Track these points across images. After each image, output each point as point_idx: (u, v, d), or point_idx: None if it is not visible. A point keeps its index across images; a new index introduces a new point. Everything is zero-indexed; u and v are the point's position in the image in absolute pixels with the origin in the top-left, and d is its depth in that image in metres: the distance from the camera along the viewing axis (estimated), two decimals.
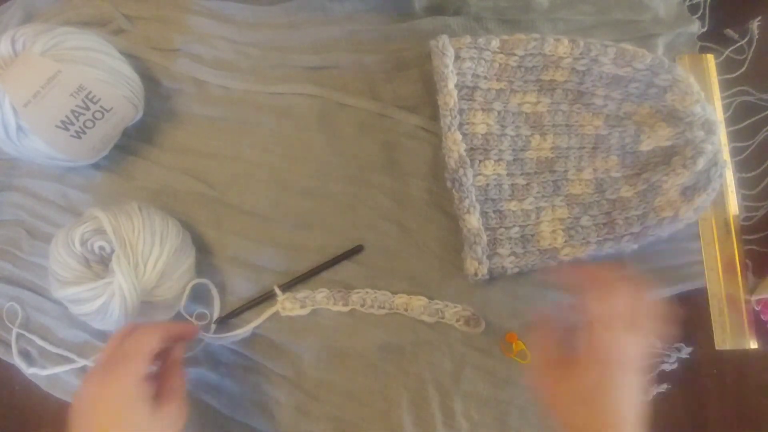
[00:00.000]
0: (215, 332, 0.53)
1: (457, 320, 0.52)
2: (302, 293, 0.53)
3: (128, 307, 0.47)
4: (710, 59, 0.58)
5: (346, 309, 0.53)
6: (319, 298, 0.53)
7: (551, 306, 0.45)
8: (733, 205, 0.55)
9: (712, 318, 0.53)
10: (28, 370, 0.55)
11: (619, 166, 0.52)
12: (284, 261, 0.54)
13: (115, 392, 0.40)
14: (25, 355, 0.56)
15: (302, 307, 0.53)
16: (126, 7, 0.61)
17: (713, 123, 0.50)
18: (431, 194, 0.55)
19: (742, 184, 0.56)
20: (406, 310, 0.52)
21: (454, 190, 0.52)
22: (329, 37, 0.59)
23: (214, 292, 0.54)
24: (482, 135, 0.53)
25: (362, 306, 0.53)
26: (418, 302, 0.52)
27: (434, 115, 0.55)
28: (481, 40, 0.53)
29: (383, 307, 0.52)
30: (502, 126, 0.54)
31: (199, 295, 0.54)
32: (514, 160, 0.53)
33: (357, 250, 0.54)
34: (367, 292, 0.53)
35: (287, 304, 0.53)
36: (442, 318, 0.52)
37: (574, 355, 0.40)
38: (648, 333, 0.40)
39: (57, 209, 0.58)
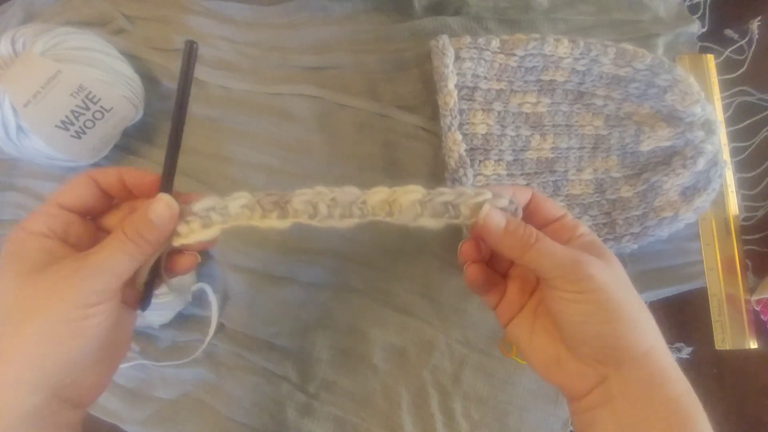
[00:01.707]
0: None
1: (472, 212, 0.34)
2: (203, 203, 0.34)
3: None
4: (710, 59, 0.58)
5: (285, 223, 0.34)
6: (234, 209, 0.33)
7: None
8: (733, 205, 0.55)
9: (712, 318, 0.53)
10: None
11: (619, 166, 0.52)
12: (285, 263, 0.55)
13: (10, 236, 0.32)
14: None
15: (205, 226, 0.33)
16: (126, 7, 0.61)
17: (713, 123, 0.51)
18: None
19: (742, 184, 0.56)
20: (390, 214, 0.33)
21: None
22: (329, 37, 0.59)
23: (212, 297, 0.53)
24: (482, 135, 0.53)
25: (313, 217, 0.33)
26: (410, 196, 0.33)
27: (434, 115, 0.55)
28: (481, 40, 0.53)
29: (351, 215, 0.33)
30: (502, 126, 0.54)
31: (197, 298, 0.54)
32: (514, 160, 0.53)
33: (191, 45, 0.34)
34: (319, 193, 0.33)
35: (179, 229, 0.33)
36: (456, 217, 0.33)
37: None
38: None
39: None
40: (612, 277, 0.32)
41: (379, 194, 0.33)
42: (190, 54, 0.33)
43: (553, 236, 0.34)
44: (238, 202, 0.33)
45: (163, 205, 0.32)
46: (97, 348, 0.31)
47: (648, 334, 0.33)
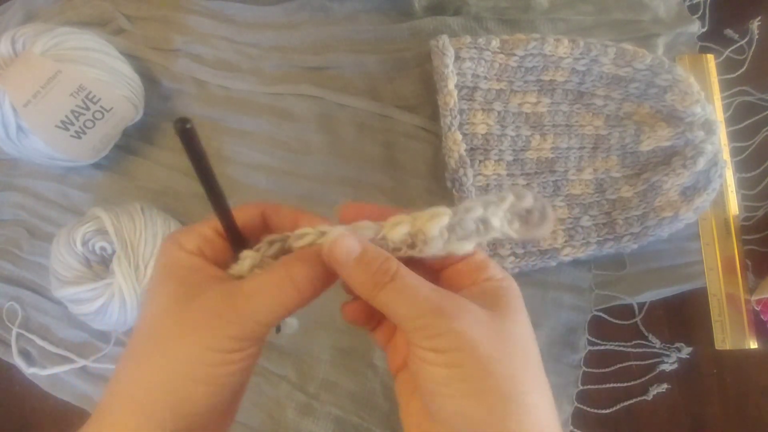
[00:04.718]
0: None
1: (510, 223, 0.28)
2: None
3: (128, 309, 0.47)
4: (710, 59, 0.58)
5: None
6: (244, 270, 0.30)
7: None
8: (733, 205, 0.55)
9: (712, 318, 0.53)
10: (28, 370, 0.55)
11: (619, 166, 0.52)
12: None
13: (159, 256, 0.29)
14: (25, 355, 0.56)
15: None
16: (126, 7, 0.61)
17: (713, 123, 0.51)
18: (431, 194, 0.55)
19: (742, 184, 0.56)
20: (412, 246, 0.28)
21: (454, 191, 0.52)
22: (329, 37, 0.59)
23: None
24: (482, 135, 0.53)
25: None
26: (435, 222, 0.27)
27: (434, 115, 0.55)
28: (481, 40, 0.53)
29: None
30: (503, 126, 0.54)
31: None
32: (514, 160, 0.53)
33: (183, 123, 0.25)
34: (322, 234, 0.28)
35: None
36: (485, 234, 0.28)
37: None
38: None
39: (58, 209, 0.58)
40: (489, 336, 0.24)
41: (401, 226, 0.27)
42: (185, 135, 0.25)
43: (456, 279, 0.28)
44: (246, 263, 0.29)
45: (351, 242, 0.26)
46: (231, 394, 0.27)
47: (530, 419, 0.24)
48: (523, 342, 0.26)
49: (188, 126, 0.24)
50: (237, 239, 0.29)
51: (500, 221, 0.27)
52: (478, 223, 0.27)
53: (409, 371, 0.29)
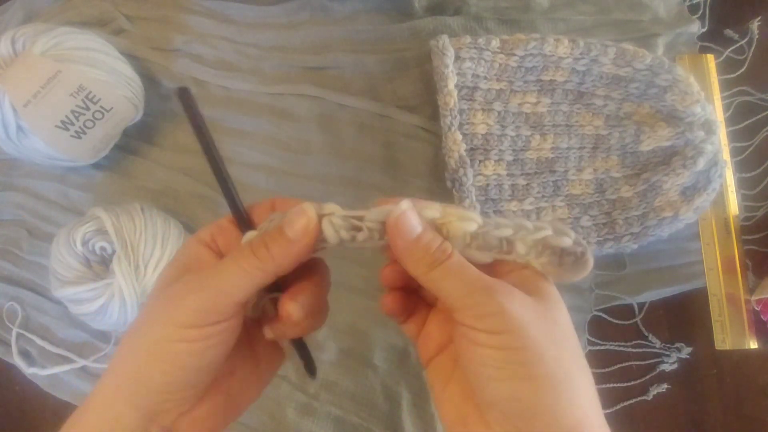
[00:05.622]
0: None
1: (539, 254, 0.28)
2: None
3: (128, 309, 0.47)
4: (710, 59, 0.58)
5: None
6: None
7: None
8: (733, 205, 0.55)
9: (712, 318, 0.53)
10: (28, 370, 0.55)
11: (619, 166, 0.52)
12: None
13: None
14: (25, 355, 0.56)
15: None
16: (126, 7, 0.61)
17: (713, 123, 0.51)
18: (431, 194, 0.55)
19: (742, 184, 0.56)
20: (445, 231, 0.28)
21: (454, 191, 0.52)
22: (329, 37, 0.59)
23: None
24: (482, 135, 0.53)
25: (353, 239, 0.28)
26: (464, 225, 0.27)
27: (434, 115, 0.55)
28: (481, 40, 0.53)
29: (381, 237, 0.28)
30: (503, 126, 0.54)
31: None
32: (514, 160, 0.53)
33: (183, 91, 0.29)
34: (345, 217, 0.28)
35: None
36: (507, 253, 0.28)
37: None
38: None
39: (57, 209, 0.58)
40: (537, 319, 0.25)
41: (430, 210, 0.27)
42: (185, 101, 0.28)
43: (494, 266, 0.28)
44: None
45: (303, 218, 0.27)
46: (203, 377, 0.27)
47: (578, 402, 0.25)
48: (564, 326, 0.26)
49: (188, 93, 0.28)
50: (241, 216, 0.30)
51: (527, 249, 0.27)
52: (503, 241, 0.28)
53: (445, 357, 0.30)
